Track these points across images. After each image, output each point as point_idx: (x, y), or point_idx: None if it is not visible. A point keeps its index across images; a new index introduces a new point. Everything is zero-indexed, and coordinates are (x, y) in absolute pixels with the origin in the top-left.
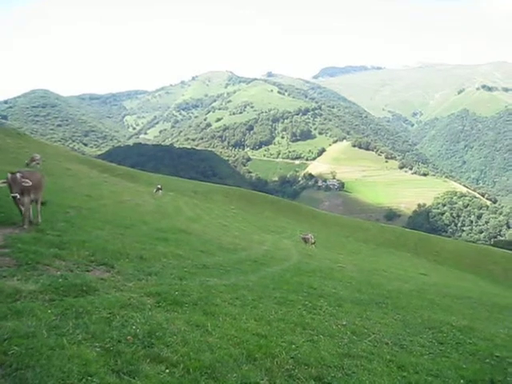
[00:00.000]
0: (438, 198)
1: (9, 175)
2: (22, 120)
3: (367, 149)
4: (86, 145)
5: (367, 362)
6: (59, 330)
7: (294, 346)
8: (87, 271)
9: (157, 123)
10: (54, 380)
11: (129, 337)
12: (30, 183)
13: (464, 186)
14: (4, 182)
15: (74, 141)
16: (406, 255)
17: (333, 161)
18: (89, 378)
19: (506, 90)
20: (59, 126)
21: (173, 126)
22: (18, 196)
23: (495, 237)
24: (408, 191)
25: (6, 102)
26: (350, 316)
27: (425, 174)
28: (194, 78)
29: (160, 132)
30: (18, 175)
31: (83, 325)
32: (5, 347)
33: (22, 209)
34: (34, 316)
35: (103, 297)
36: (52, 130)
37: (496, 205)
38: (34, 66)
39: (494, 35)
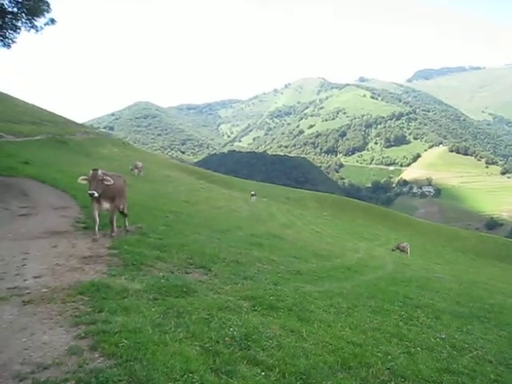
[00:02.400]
0: None
1: (90, 171)
2: (126, 130)
3: (466, 154)
4: (183, 153)
5: (469, 379)
6: (162, 328)
7: (389, 356)
8: (186, 273)
9: (250, 131)
10: (159, 373)
11: (226, 338)
12: (111, 182)
13: None
14: (85, 179)
15: (172, 149)
16: (509, 267)
17: (428, 167)
18: (190, 374)
19: None
20: (159, 135)
21: (266, 134)
22: (96, 194)
23: None
24: (511, 198)
25: (113, 114)
26: (448, 329)
27: None
28: (286, 86)
29: (253, 139)
30: (100, 172)
31: (184, 324)
32: (116, 339)
33: (95, 213)
34: (140, 313)
35: (202, 298)
36: (153, 139)
37: None
38: (137, 78)
39: None
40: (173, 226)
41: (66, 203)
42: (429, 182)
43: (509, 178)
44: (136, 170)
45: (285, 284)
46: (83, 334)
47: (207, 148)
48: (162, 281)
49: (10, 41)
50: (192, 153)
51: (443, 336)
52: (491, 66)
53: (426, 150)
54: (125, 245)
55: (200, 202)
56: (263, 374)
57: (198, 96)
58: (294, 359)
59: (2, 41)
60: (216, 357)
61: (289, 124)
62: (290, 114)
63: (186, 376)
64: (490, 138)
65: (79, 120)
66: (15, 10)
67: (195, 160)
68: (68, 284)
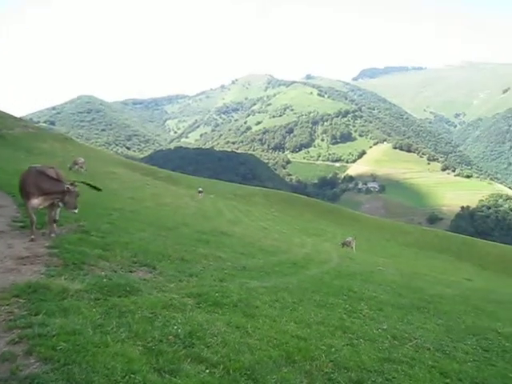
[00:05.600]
0: (482, 200)
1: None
2: (68, 125)
3: (409, 151)
4: (128, 148)
5: (408, 367)
6: (104, 329)
7: (333, 349)
8: (130, 272)
9: (197, 127)
10: (99, 376)
11: (170, 336)
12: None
13: (510, 188)
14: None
15: (117, 145)
16: (449, 259)
17: (373, 163)
18: (132, 375)
19: None
20: (103, 130)
21: (213, 130)
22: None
23: None
24: (451, 194)
25: (53, 108)
26: (390, 320)
27: (468, 176)
28: (233, 82)
29: (201, 136)
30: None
31: (126, 324)
32: (53, 343)
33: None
34: (80, 314)
35: (146, 297)
36: (96, 134)
37: None
38: (80, 72)
39: None
40: (117, 224)
41: (3, 202)
42: (373, 178)
43: (448, 174)
44: (76, 166)
45: (230, 280)
46: (17, 339)
47: (153, 144)
48: (104, 280)
49: None
50: (138, 149)
51: (385, 327)
52: (432, 67)
53: (371, 147)
54: (65, 243)
55: (146, 198)
56: (207, 371)
57: (144, 91)
58: (239, 355)
59: None
60: (159, 356)
61: (236, 120)
62: (238, 110)
63: (127, 377)
64: (432, 136)
65: (16, 113)
66: None
67: (141, 156)
68: (2, 287)
